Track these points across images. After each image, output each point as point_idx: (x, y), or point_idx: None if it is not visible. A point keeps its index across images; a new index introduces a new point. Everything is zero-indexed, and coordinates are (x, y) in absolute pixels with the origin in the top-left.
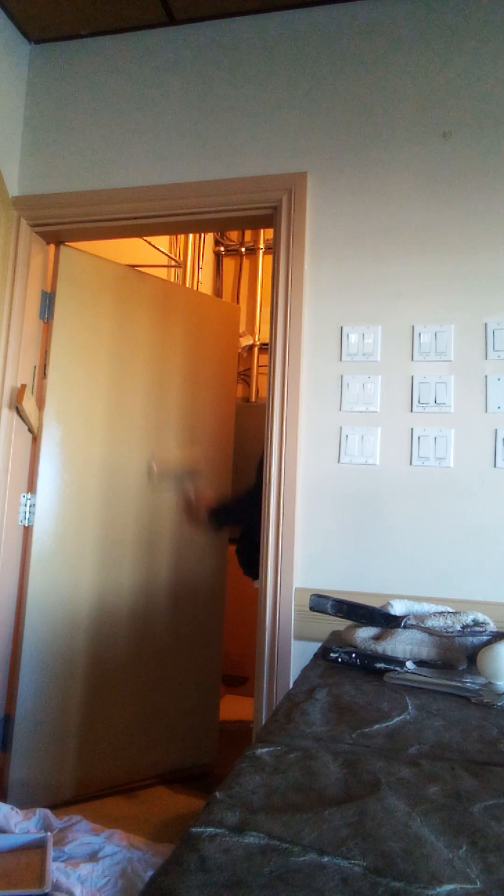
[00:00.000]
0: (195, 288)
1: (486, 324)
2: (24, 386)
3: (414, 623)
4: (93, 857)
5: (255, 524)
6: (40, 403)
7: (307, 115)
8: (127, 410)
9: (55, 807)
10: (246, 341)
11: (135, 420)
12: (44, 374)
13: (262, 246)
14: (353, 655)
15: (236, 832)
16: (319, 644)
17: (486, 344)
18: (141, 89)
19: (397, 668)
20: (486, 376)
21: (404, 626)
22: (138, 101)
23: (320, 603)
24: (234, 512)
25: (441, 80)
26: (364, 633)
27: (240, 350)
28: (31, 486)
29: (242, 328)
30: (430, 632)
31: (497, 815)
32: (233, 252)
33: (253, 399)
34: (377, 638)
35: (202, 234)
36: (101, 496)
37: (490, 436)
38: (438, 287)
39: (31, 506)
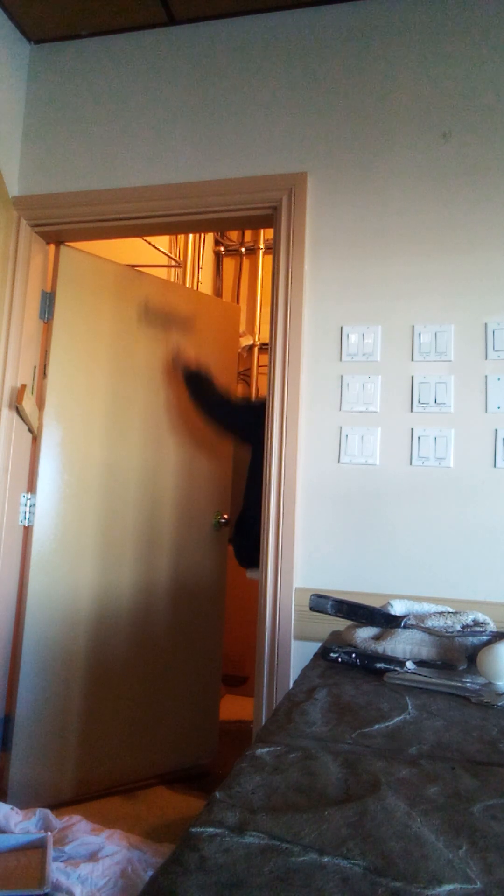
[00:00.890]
0: (195, 288)
1: (486, 324)
2: (24, 386)
3: (414, 623)
4: (93, 857)
5: (249, 512)
6: (40, 403)
7: (307, 115)
8: (127, 410)
9: (55, 807)
10: (246, 341)
11: (135, 420)
12: (44, 374)
13: (262, 246)
14: (353, 655)
15: (236, 832)
16: (319, 644)
17: (486, 344)
18: (141, 89)
19: (397, 668)
20: (486, 376)
21: (404, 626)
22: (138, 101)
23: (320, 603)
24: (212, 398)
25: (441, 80)
26: (364, 633)
27: (240, 350)
28: (31, 486)
29: (242, 328)
30: (430, 632)
31: (497, 815)
32: (233, 252)
33: (253, 399)
34: (377, 638)
35: (202, 234)
36: (101, 496)
37: (490, 436)
38: (438, 287)
39: (31, 506)
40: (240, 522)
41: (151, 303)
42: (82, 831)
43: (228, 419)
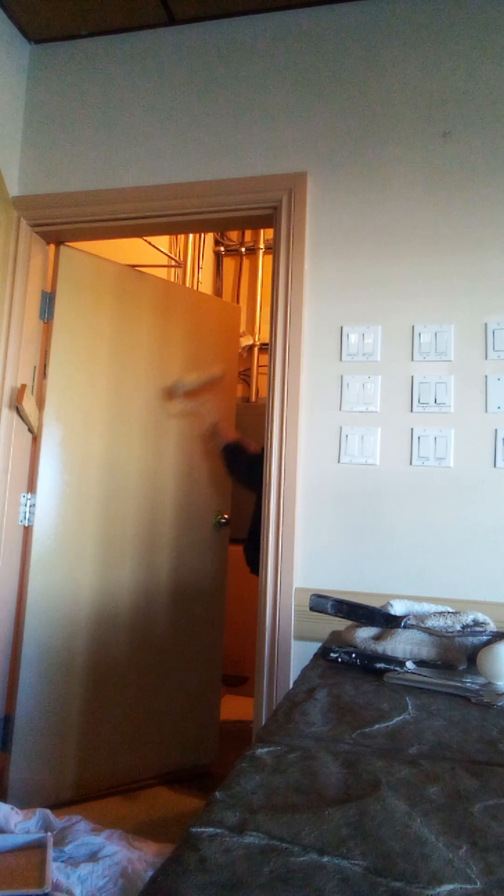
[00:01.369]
0: (195, 288)
1: (486, 324)
2: (24, 386)
3: (414, 623)
4: (93, 857)
5: (259, 525)
6: (40, 403)
7: (307, 115)
8: (127, 410)
9: (55, 807)
10: (246, 341)
11: (135, 420)
12: (44, 374)
13: (262, 246)
14: (353, 655)
15: (236, 832)
16: (319, 644)
17: (486, 344)
18: (141, 89)
19: (397, 668)
20: (486, 376)
21: (404, 626)
22: (138, 100)
23: (320, 603)
24: (245, 460)
25: (441, 80)
26: (364, 633)
27: (240, 350)
28: (31, 486)
29: (242, 328)
30: (430, 632)
31: (497, 815)
32: (233, 252)
33: (253, 399)
34: (377, 638)
35: (202, 234)
36: (101, 496)
37: (490, 436)
38: (438, 287)
39: (31, 506)
40: (252, 535)
41: (182, 379)
42: (82, 831)
43: (235, 465)
